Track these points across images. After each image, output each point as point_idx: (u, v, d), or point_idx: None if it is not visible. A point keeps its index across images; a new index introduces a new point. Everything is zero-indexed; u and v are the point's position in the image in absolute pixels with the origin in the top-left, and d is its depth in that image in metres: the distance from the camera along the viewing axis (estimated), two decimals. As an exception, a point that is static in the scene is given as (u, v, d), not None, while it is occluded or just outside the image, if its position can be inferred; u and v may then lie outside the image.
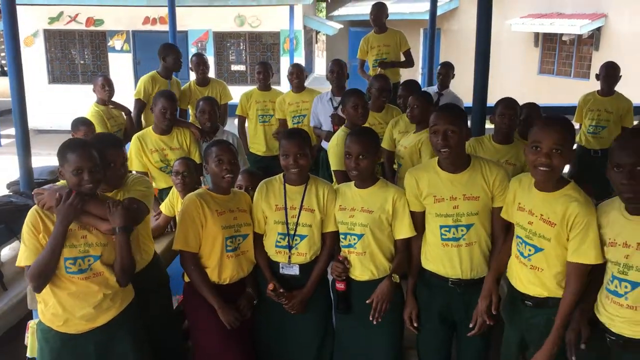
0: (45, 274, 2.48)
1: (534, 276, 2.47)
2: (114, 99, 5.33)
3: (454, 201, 2.68)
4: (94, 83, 5.31)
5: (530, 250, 2.46)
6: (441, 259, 2.77)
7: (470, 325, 2.70)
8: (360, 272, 2.90)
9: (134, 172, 3.97)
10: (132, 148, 4.14)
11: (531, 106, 4.48)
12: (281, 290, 2.92)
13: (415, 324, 2.85)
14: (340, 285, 2.92)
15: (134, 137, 4.21)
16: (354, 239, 2.88)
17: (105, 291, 2.59)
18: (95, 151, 2.54)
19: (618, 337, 2.20)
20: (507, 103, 3.63)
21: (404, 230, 2.84)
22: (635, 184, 2.06)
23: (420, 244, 2.86)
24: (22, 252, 2.49)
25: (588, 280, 2.35)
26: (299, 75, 5.39)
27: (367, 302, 2.80)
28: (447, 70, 5.66)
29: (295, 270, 2.97)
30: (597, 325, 2.30)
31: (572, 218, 2.30)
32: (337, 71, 5.02)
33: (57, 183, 2.69)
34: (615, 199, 2.25)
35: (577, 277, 2.33)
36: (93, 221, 2.55)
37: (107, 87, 5.23)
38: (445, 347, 2.92)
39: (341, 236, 2.95)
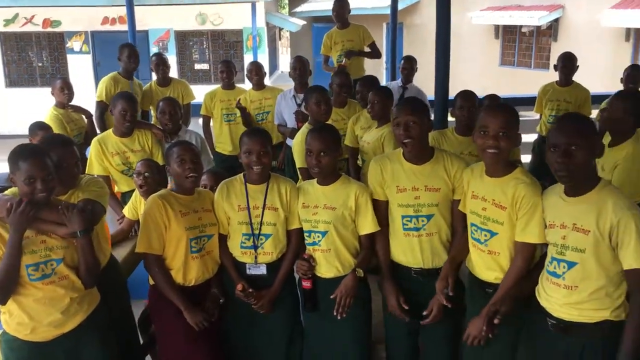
0: (6, 285, 2.41)
1: (491, 261, 2.54)
2: (73, 101, 5.20)
3: (416, 192, 2.72)
4: (52, 86, 5.17)
5: (485, 235, 2.54)
6: (403, 248, 2.81)
7: (424, 313, 2.72)
8: (326, 269, 2.90)
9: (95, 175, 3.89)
10: (92, 151, 4.05)
11: (492, 97, 4.54)
12: (250, 290, 2.89)
13: (405, 307, 2.79)
14: (306, 284, 2.91)
15: (94, 140, 4.12)
16: (318, 237, 2.88)
17: (71, 295, 2.53)
18: (49, 158, 2.46)
19: (559, 321, 2.27)
20: (465, 95, 3.72)
21: (368, 225, 2.85)
22: (568, 162, 2.15)
23: (386, 237, 2.87)
24: None
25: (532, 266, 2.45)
26: (258, 72, 5.37)
27: (332, 297, 2.79)
28: (411, 64, 5.70)
29: (262, 270, 2.95)
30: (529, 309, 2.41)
31: (519, 199, 2.40)
32: (300, 68, 5.00)
33: (6, 192, 2.60)
34: (556, 184, 2.34)
35: (522, 256, 2.43)
36: (49, 227, 2.48)
37: (66, 90, 5.10)
38: (413, 337, 2.93)
39: (305, 234, 2.94)
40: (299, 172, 3.78)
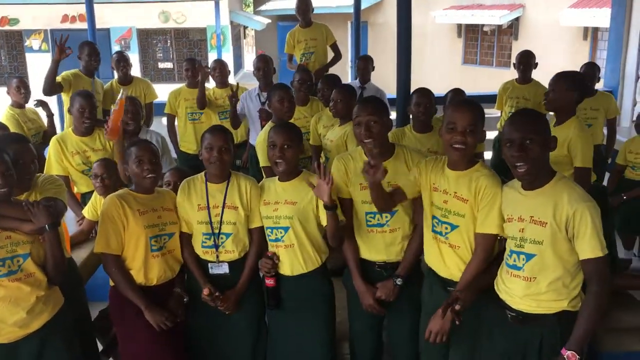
0: None
1: (452, 254, 2.58)
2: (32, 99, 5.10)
3: None
4: (7, 86, 5.04)
5: (446, 228, 2.58)
6: (367, 244, 2.83)
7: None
8: (289, 266, 2.90)
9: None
10: (50, 151, 3.95)
11: (457, 91, 4.60)
12: (217, 294, 2.88)
13: (382, 297, 2.79)
14: (269, 282, 2.91)
15: (53, 139, 4.02)
16: (281, 232, 2.88)
17: (37, 293, 2.49)
18: (6, 154, 2.44)
19: (518, 313, 2.32)
20: (421, 92, 3.76)
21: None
22: (525, 156, 2.21)
23: (353, 235, 2.88)
24: None
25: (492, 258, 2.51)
26: (221, 70, 5.35)
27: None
28: (366, 64, 5.68)
29: (224, 269, 2.93)
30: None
31: (480, 191, 2.46)
32: (263, 68, 4.99)
33: None
34: (514, 180, 2.39)
35: (482, 248, 2.48)
36: (14, 224, 2.44)
37: (22, 90, 4.98)
38: (377, 333, 2.96)
39: (268, 231, 2.94)
40: (262, 171, 3.77)
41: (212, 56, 14.47)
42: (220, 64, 5.43)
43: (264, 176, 3.66)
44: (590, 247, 2.14)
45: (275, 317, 3.00)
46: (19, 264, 2.45)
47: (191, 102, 5.37)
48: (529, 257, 2.27)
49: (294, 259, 2.88)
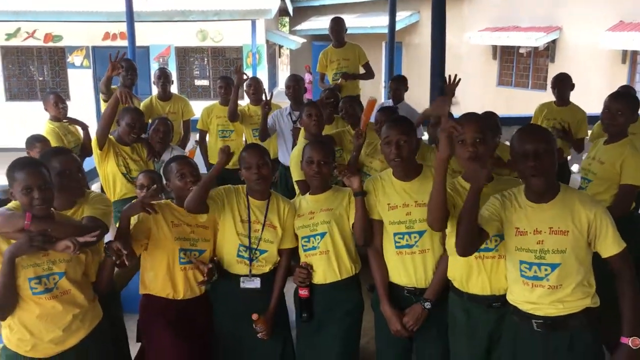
0: (4, 305, 2.42)
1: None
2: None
3: (407, 208, 2.74)
4: (45, 101, 5.17)
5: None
6: (396, 267, 2.81)
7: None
8: (323, 274, 2.92)
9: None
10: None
11: (488, 114, 4.55)
12: (260, 325, 2.90)
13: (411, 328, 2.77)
14: (303, 292, 2.94)
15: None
16: (317, 239, 2.93)
17: (73, 311, 2.52)
18: (44, 168, 2.47)
19: (545, 319, 2.34)
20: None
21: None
22: (540, 165, 2.26)
23: (382, 258, 2.86)
24: None
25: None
26: (257, 87, 5.41)
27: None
28: (398, 84, 5.71)
29: (256, 284, 2.96)
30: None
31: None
32: (293, 86, 5.06)
33: (9, 204, 2.61)
34: (510, 194, 2.44)
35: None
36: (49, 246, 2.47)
37: (60, 104, 5.13)
38: (405, 356, 2.92)
39: (303, 241, 2.98)
40: (296, 185, 3.81)
41: (247, 74, 14.65)
42: (256, 82, 5.52)
43: (297, 191, 3.71)
44: (614, 243, 2.28)
45: (305, 328, 3.01)
46: (55, 281, 2.49)
47: (222, 120, 5.47)
48: (554, 266, 2.31)
49: (329, 266, 2.91)
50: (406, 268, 2.78)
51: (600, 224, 2.27)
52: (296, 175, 3.80)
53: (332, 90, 4.82)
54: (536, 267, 2.33)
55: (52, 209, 2.52)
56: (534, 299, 2.35)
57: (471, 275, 2.58)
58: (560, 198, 2.33)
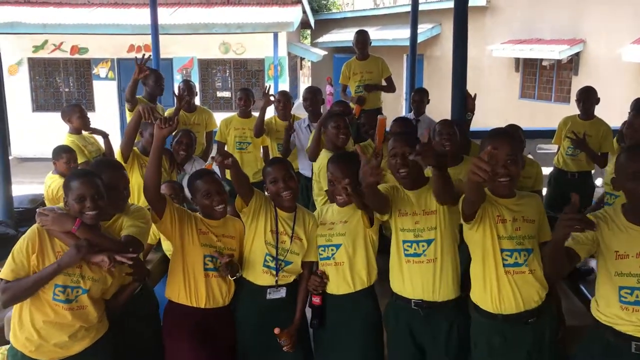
0: (19, 298, 2.50)
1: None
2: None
3: (415, 217, 2.75)
4: (67, 113, 5.14)
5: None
6: (404, 278, 2.79)
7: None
8: (337, 285, 2.93)
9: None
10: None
11: (512, 127, 4.51)
12: (284, 339, 2.91)
13: None
14: (316, 300, 2.96)
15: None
16: (332, 250, 2.95)
17: (83, 324, 2.60)
18: (99, 180, 2.60)
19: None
20: (443, 123, 3.68)
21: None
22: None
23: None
24: (7, 265, 2.50)
25: None
26: (285, 104, 5.41)
27: None
28: (421, 97, 5.71)
29: (282, 294, 3.00)
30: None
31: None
32: (311, 98, 5.09)
33: (60, 204, 2.70)
34: (607, 214, 2.36)
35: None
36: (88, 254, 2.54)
37: (85, 117, 5.17)
38: None
39: (320, 249, 3.00)
40: (325, 194, 3.79)
41: (274, 96, 14.73)
42: (285, 97, 5.47)
43: (318, 202, 3.72)
44: None
45: (321, 338, 3.01)
46: (77, 295, 2.56)
47: (240, 132, 5.49)
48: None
49: (343, 278, 2.92)
50: (413, 278, 2.76)
51: None
52: (325, 184, 3.77)
53: (344, 104, 4.84)
54: (638, 291, 2.25)
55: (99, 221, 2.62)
56: (635, 321, 2.27)
57: (503, 294, 2.52)
58: None
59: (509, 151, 2.43)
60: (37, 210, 2.62)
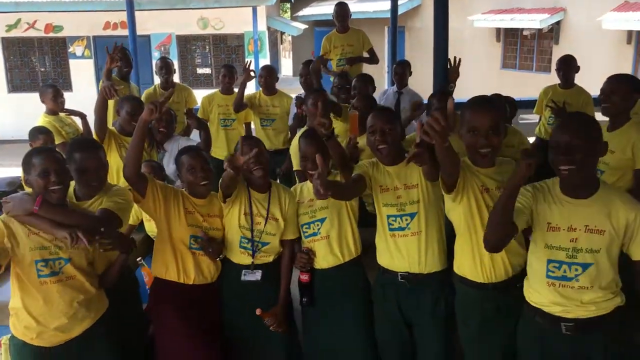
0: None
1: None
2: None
3: (397, 191, 2.75)
4: (43, 94, 5.12)
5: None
6: (390, 251, 2.80)
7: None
8: (325, 258, 2.93)
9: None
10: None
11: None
12: (267, 319, 2.91)
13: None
14: (304, 277, 2.96)
15: (111, 131, 4.12)
16: (317, 225, 2.95)
17: (78, 297, 2.56)
18: (60, 156, 2.57)
19: (577, 322, 2.27)
20: (441, 97, 3.62)
21: None
22: (573, 159, 2.15)
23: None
24: None
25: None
26: (268, 77, 5.36)
27: None
28: (403, 69, 5.66)
29: (257, 276, 2.98)
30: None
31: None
32: (306, 75, 5.03)
33: (27, 190, 2.65)
34: (547, 186, 2.34)
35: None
36: (50, 228, 2.50)
37: (60, 98, 5.09)
38: (404, 340, 2.87)
39: (304, 227, 2.99)
40: (295, 175, 3.79)
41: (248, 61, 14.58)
42: (266, 71, 5.41)
43: (297, 180, 3.68)
44: None
45: (312, 314, 3.01)
46: (60, 266, 2.53)
47: (224, 109, 5.42)
48: (585, 266, 2.22)
49: (331, 250, 2.93)
50: (400, 251, 2.76)
51: (639, 226, 2.17)
52: (296, 164, 3.76)
53: (343, 77, 4.76)
54: (566, 266, 2.25)
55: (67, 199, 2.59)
56: (561, 300, 2.27)
57: (494, 262, 2.53)
58: (600, 195, 2.23)
59: (490, 121, 2.40)
60: (0, 201, 2.58)
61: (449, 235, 2.74)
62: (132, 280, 3.19)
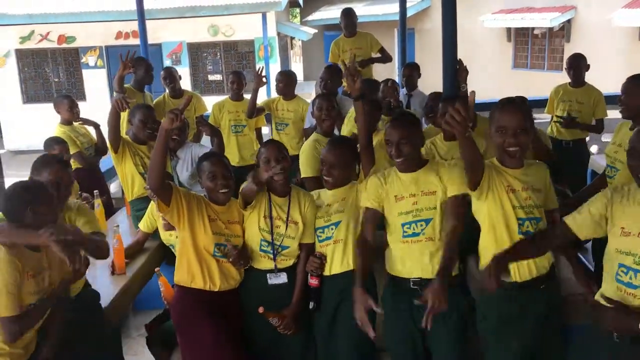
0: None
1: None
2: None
3: (413, 198, 2.72)
4: (58, 104, 5.19)
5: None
6: (402, 257, 2.76)
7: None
8: (338, 263, 2.94)
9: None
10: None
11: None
12: (272, 318, 2.91)
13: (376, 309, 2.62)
14: (313, 281, 2.96)
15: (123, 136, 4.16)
16: (332, 229, 2.95)
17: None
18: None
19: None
20: (447, 101, 3.55)
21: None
22: None
23: (367, 247, 2.77)
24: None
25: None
26: (286, 82, 5.34)
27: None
28: (411, 71, 5.65)
29: (283, 279, 2.99)
30: None
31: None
32: (326, 79, 5.03)
33: None
34: (622, 189, 2.26)
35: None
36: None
37: (75, 109, 5.16)
38: (416, 348, 2.79)
39: (319, 231, 3.00)
40: (305, 182, 3.71)
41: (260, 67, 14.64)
42: (286, 76, 5.41)
43: (307, 187, 3.62)
44: None
45: (321, 320, 3.02)
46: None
47: (234, 115, 5.44)
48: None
49: (343, 254, 2.93)
50: (412, 257, 2.73)
51: None
52: (305, 171, 3.72)
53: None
54: (632, 272, 2.16)
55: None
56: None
57: (520, 261, 2.53)
58: None
59: (518, 120, 2.44)
60: None
61: (462, 242, 2.71)
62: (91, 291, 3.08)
